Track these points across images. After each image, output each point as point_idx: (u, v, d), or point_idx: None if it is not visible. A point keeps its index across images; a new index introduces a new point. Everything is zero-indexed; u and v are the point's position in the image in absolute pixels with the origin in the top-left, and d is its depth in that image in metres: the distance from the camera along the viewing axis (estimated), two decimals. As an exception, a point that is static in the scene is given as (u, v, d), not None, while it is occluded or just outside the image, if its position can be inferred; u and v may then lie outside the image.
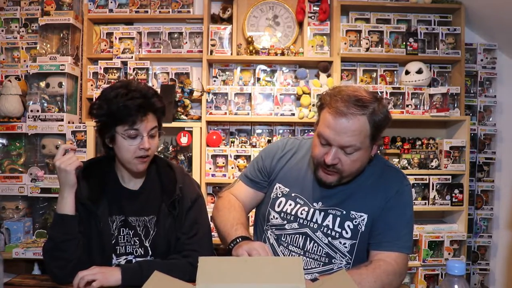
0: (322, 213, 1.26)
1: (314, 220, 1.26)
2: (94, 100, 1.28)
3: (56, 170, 1.24)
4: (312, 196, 1.29)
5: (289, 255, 1.29)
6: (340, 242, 1.24)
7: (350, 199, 1.26)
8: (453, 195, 2.53)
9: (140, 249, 1.33)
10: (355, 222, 1.24)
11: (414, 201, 2.47)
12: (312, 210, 1.28)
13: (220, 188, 2.71)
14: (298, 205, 1.30)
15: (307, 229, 1.27)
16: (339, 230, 1.24)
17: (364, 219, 1.24)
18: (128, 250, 1.33)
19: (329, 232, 1.25)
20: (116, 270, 1.20)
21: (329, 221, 1.25)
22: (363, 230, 1.23)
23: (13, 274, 1.38)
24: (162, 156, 2.52)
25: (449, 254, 2.48)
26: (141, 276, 1.12)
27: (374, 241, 1.23)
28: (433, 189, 2.53)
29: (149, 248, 1.33)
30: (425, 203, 2.53)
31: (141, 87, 1.29)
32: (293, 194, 1.32)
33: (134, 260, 1.33)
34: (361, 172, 1.27)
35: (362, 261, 1.23)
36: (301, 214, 1.28)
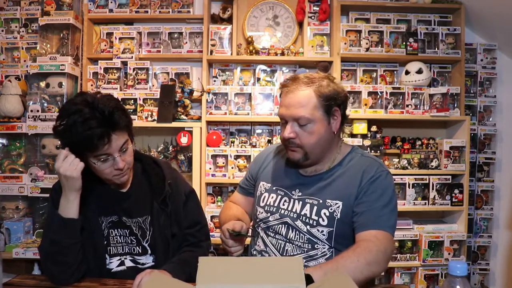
0: (301, 203, 1.33)
1: (294, 210, 1.33)
2: (56, 118, 1.23)
3: (60, 176, 1.20)
4: (290, 184, 1.37)
5: (276, 244, 1.34)
6: (318, 230, 1.28)
7: (326, 188, 1.31)
8: (453, 195, 2.53)
9: (137, 247, 1.33)
10: (331, 209, 1.28)
11: (414, 201, 2.51)
12: (292, 200, 1.34)
13: (220, 188, 2.72)
14: (279, 196, 1.38)
15: (288, 219, 1.32)
16: (316, 218, 1.28)
17: (339, 206, 1.28)
18: (121, 250, 1.33)
19: (307, 220, 1.29)
20: (164, 272, 1.22)
21: (306, 210, 1.30)
22: (339, 217, 1.27)
23: (13, 274, 1.38)
24: (162, 156, 2.55)
25: (449, 254, 2.48)
26: (185, 272, 1.17)
27: (355, 225, 1.26)
28: (433, 189, 2.53)
29: (147, 248, 1.34)
30: (425, 203, 2.53)
31: (98, 107, 1.19)
32: (274, 188, 1.41)
33: (128, 260, 1.33)
34: (327, 150, 1.33)
35: (341, 248, 1.25)
36: (283, 205, 1.35)
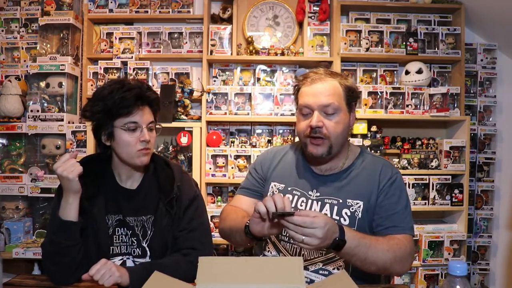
0: (319, 203, 1.31)
1: (312, 210, 1.29)
2: (87, 101, 1.29)
3: (58, 176, 1.21)
4: (308, 185, 1.34)
5: (290, 249, 1.31)
6: None
7: (344, 188, 1.30)
8: (453, 195, 2.53)
9: (137, 249, 1.33)
10: (352, 209, 1.28)
11: (414, 201, 2.51)
12: (310, 201, 1.32)
13: (220, 188, 2.72)
14: (296, 197, 1.35)
15: None
16: (337, 218, 1.27)
17: (360, 206, 1.28)
18: (124, 250, 1.33)
19: None
20: (123, 271, 1.19)
21: (326, 210, 1.29)
22: (360, 216, 1.27)
23: (13, 274, 1.38)
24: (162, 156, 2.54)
25: (449, 254, 2.48)
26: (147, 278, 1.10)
27: (379, 228, 1.27)
28: (433, 189, 2.52)
29: (147, 249, 1.33)
30: (425, 203, 2.53)
31: (134, 82, 1.32)
32: (289, 188, 1.37)
33: (130, 261, 1.33)
34: (344, 145, 1.34)
35: None
36: (301, 206, 1.33)
